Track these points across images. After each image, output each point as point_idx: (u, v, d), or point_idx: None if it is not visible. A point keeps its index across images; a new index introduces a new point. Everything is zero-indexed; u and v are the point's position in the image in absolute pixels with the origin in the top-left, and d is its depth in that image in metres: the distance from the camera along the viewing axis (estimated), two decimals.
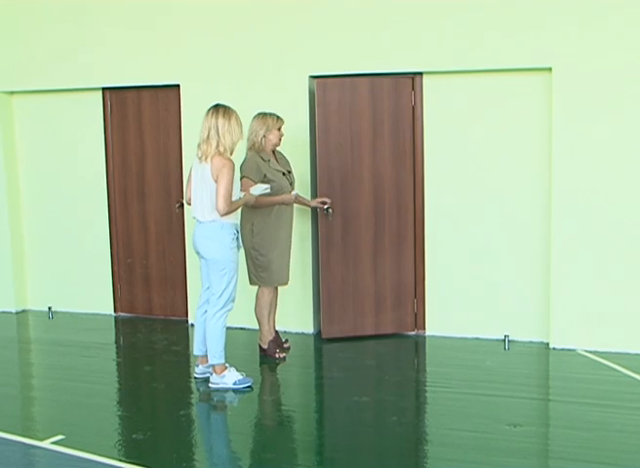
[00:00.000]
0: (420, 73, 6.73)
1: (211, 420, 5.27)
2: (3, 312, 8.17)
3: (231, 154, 5.55)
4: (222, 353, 5.66)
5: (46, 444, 4.70)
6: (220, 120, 5.47)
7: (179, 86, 7.34)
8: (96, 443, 4.69)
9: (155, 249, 7.82)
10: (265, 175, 6.15)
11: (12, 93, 8.04)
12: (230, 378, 5.66)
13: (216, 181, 5.42)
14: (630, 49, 6.08)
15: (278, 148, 6.43)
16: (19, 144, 8.12)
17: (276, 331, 6.58)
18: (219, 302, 5.61)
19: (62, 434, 4.82)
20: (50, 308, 8.08)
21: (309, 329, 7.11)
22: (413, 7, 6.53)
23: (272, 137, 6.25)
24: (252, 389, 5.64)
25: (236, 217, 5.69)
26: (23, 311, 8.23)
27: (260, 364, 6.28)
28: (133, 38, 7.38)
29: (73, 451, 4.56)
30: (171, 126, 7.56)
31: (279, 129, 6.28)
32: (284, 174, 6.31)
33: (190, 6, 7.16)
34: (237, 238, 5.65)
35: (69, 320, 7.85)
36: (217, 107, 5.55)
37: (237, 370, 5.74)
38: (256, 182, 6.06)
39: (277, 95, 6.93)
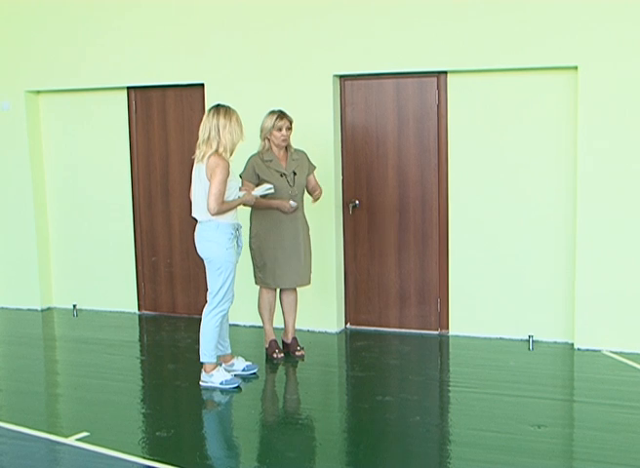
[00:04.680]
0: (445, 72, 6.71)
1: (234, 418, 5.27)
2: (28, 310, 8.24)
3: (231, 155, 5.50)
4: (213, 352, 5.68)
5: (71, 440, 4.73)
6: (222, 120, 5.42)
7: (203, 85, 7.36)
8: (120, 440, 4.72)
9: (179, 247, 7.84)
10: (259, 177, 6.08)
11: (38, 92, 8.10)
12: (218, 378, 5.67)
13: (209, 181, 5.41)
14: None
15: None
16: (45, 143, 8.18)
17: (294, 338, 6.49)
18: (213, 301, 5.63)
19: (87, 431, 4.86)
20: (74, 306, 8.14)
21: (333, 328, 7.10)
22: (437, 6, 6.51)
23: (273, 138, 6.12)
24: (240, 390, 5.63)
25: (234, 217, 5.61)
26: (48, 309, 8.30)
27: (284, 362, 6.29)
28: (157, 37, 7.41)
29: (98, 448, 4.60)
30: (195, 125, 7.54)
31: (280, 129, 6.07)
32: (282, 175, 6.12)
33: (215, 5, 7.18)
34: (236, 237, 5.63)
35: (94, 317, 7.90)
36: (217, 107, 5.50)
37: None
38: (252, 183, 6.04)
39: (301, 93, 6.93)
